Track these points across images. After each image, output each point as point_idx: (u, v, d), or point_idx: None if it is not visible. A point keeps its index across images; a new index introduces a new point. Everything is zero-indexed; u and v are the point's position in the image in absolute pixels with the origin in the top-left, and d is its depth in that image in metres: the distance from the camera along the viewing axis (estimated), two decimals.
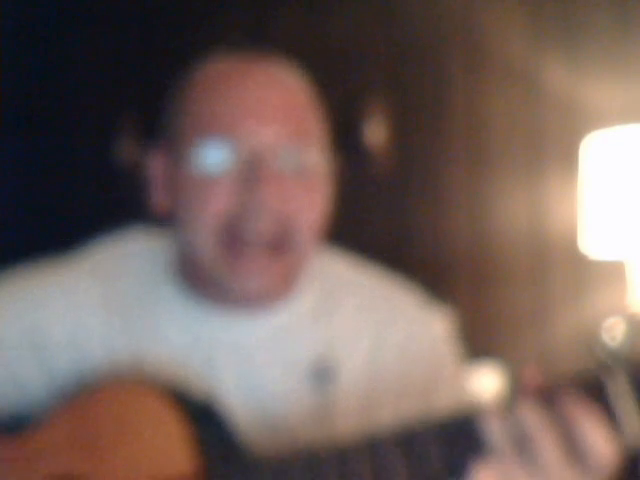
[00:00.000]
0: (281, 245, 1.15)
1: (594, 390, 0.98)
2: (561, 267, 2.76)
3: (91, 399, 1.10)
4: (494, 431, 0.96)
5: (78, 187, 3.00)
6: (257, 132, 1.15)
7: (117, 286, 1.22)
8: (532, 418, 0.96)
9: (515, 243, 2.80)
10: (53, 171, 3.05)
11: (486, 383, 2.70)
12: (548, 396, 0.97)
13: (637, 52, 2.72)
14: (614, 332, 2.57)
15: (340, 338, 1.22)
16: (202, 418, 1.08)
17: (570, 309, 2.75)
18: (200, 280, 1.20)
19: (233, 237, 1.14)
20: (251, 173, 1.14)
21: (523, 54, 2.79)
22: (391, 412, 1.19)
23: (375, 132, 2.86)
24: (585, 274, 2.72)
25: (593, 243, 2.50)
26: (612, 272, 2.64)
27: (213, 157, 1.15)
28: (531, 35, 2.80)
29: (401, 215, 2.87)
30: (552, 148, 2.78)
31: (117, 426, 1.08)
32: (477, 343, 2.72)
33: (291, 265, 1.18)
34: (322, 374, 1.20)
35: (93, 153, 2.99)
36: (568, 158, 2.67)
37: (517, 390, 0.99)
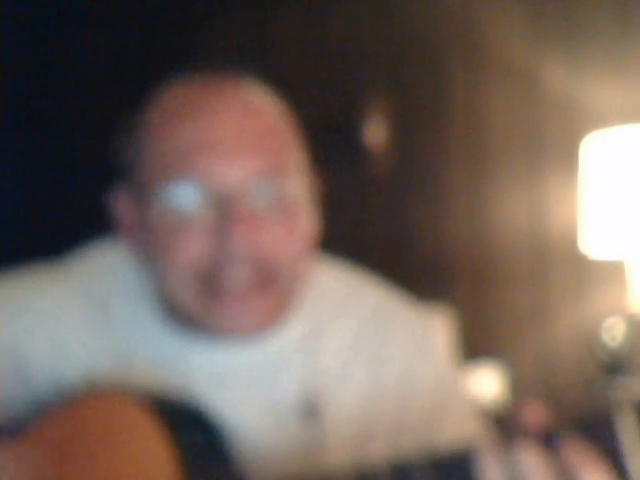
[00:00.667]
0: (265, 284, 1.09)
1: (600, 430, 0.91)
2: (561, 267, 2.76)
3: (71, 409, 1.07)
4: (490, 472, 0.91)
5: (78, 187, 3.00)
6: (223, 171, 1.07)
7: (100, 303, 1.17)
8: (530, 461, 0.90)
9: (515, 243, 2.80)
10: (53, 171, 3.05)
11: (486, 383, 2.70)
12: (549, 437, 0.92)
13: (637, 52, 2.72)
14: (614, 332, 2.57)
15: (330, 369, 1.17)
16: (185, 425, 1.05)
17: (570, 309, 2.75)
18: (181, 314, 1.13)
19: (213, 286, 1.08)
20: (221, 216, 1.07)
21: (523, 54, 2.79)
22: (386, 445, 1.15)
23: (375, 132, 2.86)
24: (585, 274, 2.72)
25: (593, 243, 2.50)
26: (612, 272, 2.64)
27: (181, 199, 1.07)
28: (531, 35, 2.80)
29: (401, 215, 2.87)
30: (552, 148, 2.78)
31: (98, 435, 1.05)
32: (477, 343, 2.72)
33: (279, 299, 1.12)
34: (309, 408, 1.14)
35: (93, 153, 2.99)
36: (568, 158, 2.67)
37: (516, 427, 0.93)
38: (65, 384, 1.14)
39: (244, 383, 1.14)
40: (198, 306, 1.10)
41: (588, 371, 2.65)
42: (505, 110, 2.81)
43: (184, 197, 1.07)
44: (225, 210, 1.07)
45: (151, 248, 1.11)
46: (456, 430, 1.17)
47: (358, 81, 2.89)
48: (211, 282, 1.08)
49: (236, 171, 1.08)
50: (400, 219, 2.87)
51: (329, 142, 2.77)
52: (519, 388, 2.74)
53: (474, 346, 2.68)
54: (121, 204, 1.15)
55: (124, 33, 3.03)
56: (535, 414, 0.93)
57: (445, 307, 2.64)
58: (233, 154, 1.08)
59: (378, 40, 2.88)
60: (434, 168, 2.85)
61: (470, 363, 2.65)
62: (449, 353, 1.25)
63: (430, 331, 1.25)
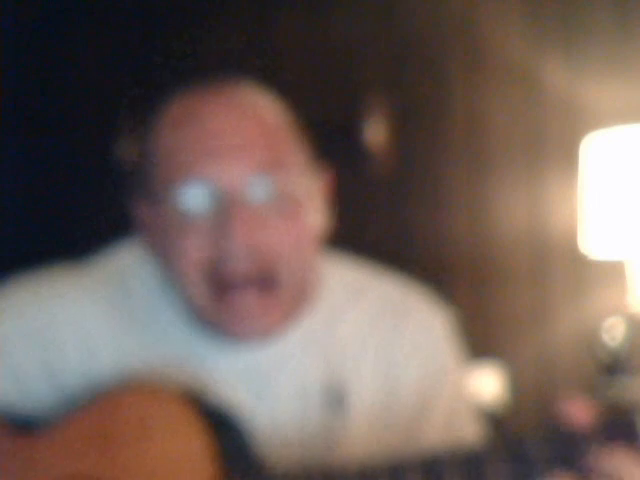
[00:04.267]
0: (270, 283, 1.13)
1: (623, 431, 0.94)
2: (561, 267, 2.76)
3: (110, 403, 1.09)
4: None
5: (78, 187, 3.00)
6: (223, 169, 1.12)
7: (125, 304, 1.20)
8: None
9: (515, 243, 2.80)
10: (53, 171, 3.05)
11: (486, 383, 2.70)
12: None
13: (637, 52, 2.72)
14: (614, 332, 2.57)
15: (348, 360, 1.20)
16: (222, 428, 1.07)
17: (570, 309, 2.75)
18: (197, 313, 1.17)
19: (219, 282, 1.12)
20: (223, 213, 1.12)
21: (523, 54, 2.79)
22: (404, 433, 1.17)
23: (375, 132, 2.86)
24: (585, 274, 2.72)
25: (593, 243, 2.50)
26: (612, 272, 2.64)
27: (190, 201, 1.13)
28: (531, 35, 2.80)
29: (401, 215, 2.87)
30: (552, 148, 2.78)
31: (136, 430, 1.07)
32: (477, 343, 2.72)
33: (287, 301, 1.15)
34: (334, 397, 1.17)
35: (93, 153, 2.99)
36: (568, 158, 2.67)
37: (562, 425, 0.94)
38: (95, 373, 1.16)
39: (266, 378, 1.17)
40: (209, 307, 1.13)
41: (588, 371, 2.65)
42: (505, 110, 2.81)
43: (189, 198, 1.12)
44: (225, 208, 1.11)
45: (164, 250, 1.16)
46: (446, 424, 1.20)
47: (358, 81, 2.89)
48: (216, 278, 1.12)
49: (235, 169, 1.12)
50: (400, 219, 2.87)
51: (329, 142, 2.77)
52: (519, 388, 2.74)
53: (474, 346, 2.68)
54: (140, 209, 1.20)
55: (124, 33, 3.03)
56: (579, 411, 0.94)
57: (445, 307, 2.63)
58: (231, 153, 1.13)
59: (378, 40, 2.88)
60: (434, 168, 2.85)
61: (470, 363, 2.65)
62: (456, 344, 1.28)
63: (440, 321, 1.28)
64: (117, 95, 2.95)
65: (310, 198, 1.18)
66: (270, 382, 1.17)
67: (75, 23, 3.07)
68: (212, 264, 1.12)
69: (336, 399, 1.17)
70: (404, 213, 2.87)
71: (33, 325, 1.18)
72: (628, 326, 2.56)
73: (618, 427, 0.93)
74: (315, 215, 1.19)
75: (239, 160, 1.13)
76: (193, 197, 1.12)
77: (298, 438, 1.15)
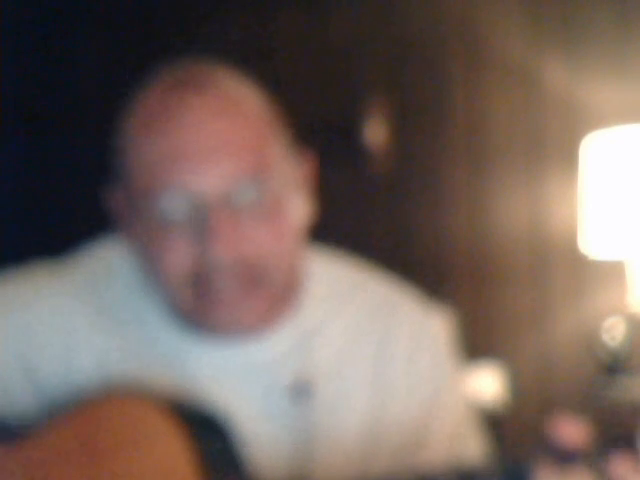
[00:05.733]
0: (254, 284, 1.09)
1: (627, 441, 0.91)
2: (561, 267, 2.76)
3: (90, 412, 1.06)
4: None
5: (78, 187, 3.00)
6: (202, 178, 1.06)
7: (107, 300, 1.17)
8: None
9: (515, 243, 2.80)
10: (53, 171, 3.05)
11: (486, 383, 2.70)
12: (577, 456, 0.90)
13: (637, 52, 2.72)
14: (614, 332, 2.57)
15: (326, 361, 1.15)
16: (207, 433, 1.05)
17: (570, 309, 2.75)
18: (182, 309, 1.13)
19: (203, 288, 1.08)
20: (203, 222, 1.06)
21: (523, 54, 2.79)
22: (392, 442, 1.14)
23: (375, 132, 2.86)
24: (585, 274, 2.72)
25: (593, 243, 2.50)
26: (612, 272, 2.64)
27: (167, 207, 1.07)
28: (531, 35, 2.80)
29: (401, 215, 2.87)
30: (552, 148, 2.78)
31: (118, 439, 1.04)
32: (477, 343, 2.72)
33: (270, 298, 1.11)
34: (299, 390, 1.14)
35: (93, 153, 2.99)
36: (568, 158, 2.67)
37: (542, 444, 0.91)
38: (76, 385, 1.13)
39: (242, 377, 1.14)
40: (193, 307, 1.10)
41: (588, 371, 2.65)
42: (505, 110, 2.81)
43: (167, 206, 1.07)
44: (204, 217, 1.06)
45: (143, 251, 1.12)
46: (446, 427, 1.16)
47: (358, 81, 2.89)
48: (201, 285, 1.08)
49: (215, 177, 1.06)
50: (400, 219, 2.87)
51: (329, 142, 2.77)
52: (519, 388, 2.74)
53: (474, 346, 2.68)
54: (117, 200, 1.15)
55: (124, 33, 3.03)
56: (570, 430, 0.91)
57: (445, 307, 2.64)
58: (211, 160, 1.06)
59: (378, 40, 2.88)
60: (434, 168, 2.85)
61: (470, 363, 2.65)
62: (451, 349, 1.23)
63: (434, 326, 1.22)
64: (117, 95, 2.95)
65: (292, 190, 1.13)
66: (243, 379, 1.14)
67: (75, 23, 3.07)
68: (194, 273, 1.07)
69: (302, 391, 1.13)
70: (404, 213, 2.87)
71: (12, 324, 1.15)
72: (628, 326, 2.56)
73: (617, 443, 0.90)
74: (298, 205, 1.14)
75: (220, 168, 1.06)
76: (171, 206, 1.07)
77: (263, 431, 1.12)
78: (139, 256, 1.14)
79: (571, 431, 0.90)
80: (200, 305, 1.09)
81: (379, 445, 1.14)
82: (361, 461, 1.13)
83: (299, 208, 1.14)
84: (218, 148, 1.07)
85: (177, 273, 1.08)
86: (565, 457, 0.90)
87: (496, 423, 2.57)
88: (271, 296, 1.11)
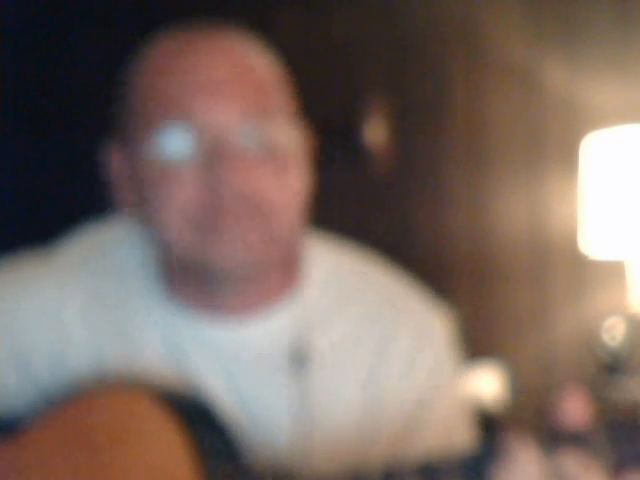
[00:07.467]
0: (261, 218, 1.06)
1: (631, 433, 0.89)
2: (561, 267, 2.76)
3: (83, 406, 1.05)
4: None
5: (78, 187, 3.00)
6: (213, 112, 1.06)
7: (98, 286, 1.16)
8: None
9: (515, 243, 2.80)
10: (53, 171, 3.05)
11: (486, 383, 2.70)
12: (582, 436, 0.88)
13: (637, 52, 2.72)
14: (614, 332, 2.58)
15: (324, 353, 1.14)
16: (200, 423, 1.04)
17: (570, 309, 2.75)
18: (179, 281, 1.12)
19: (209, 222, 1.06)
20: (214, 156, 1.05)
21: (523, 54, 2.79)
22: (386, 440, 1.13)
23: (375, 132, 2.86)
24: (585, 274, 2.72)
25: (593, 243, 2.50)
26: (612, 272, 2.64)
27: (173, 144, 1.05)
28: (531, 35, 2.80)
29: (401, 215, 2.87)
30: (552, 148, 2.78)
31: (112, 432, 1.03)
32: (477, 343, 2.72)
33: (270, 234, 1.08)
34: (296, 360, 1.12)
35: (93, 153, 2.99)
36: (568, 158, 2.67)
37: (550, 419, 0.88)
38: (69, 373, 1.12)
39: (237, 356, 1.12)
40: (193, 248, 1.07)
41: (588, 371, 2.65)
42: (505, 110, 2.81)
43: (177, 142, 1.06)
44: (216, 151, 1.05)
45: (146, 199, 1.09)
46: (441, 424, 1.16)
47: (358, 81, 2.89)
48: (206, 221, 1.06)
49: (225, 111, 1.06)
50: (400, 219, 2.87)
51: (329, 142, 2.77)
52: (519, 388, 2.75)
53: (474, 346, 2.68)
54: (114, 160, 1.14)
55: (124, 33, 3.03)
56: (577, 408, 0.88)
57: (445, 307, 2.64)
58: (222, 95, 1.06)
59: (378, 40, 2.89)
60: (434, 168, 2.86)
61: (470, 362, 2.65)
62: (452, 346, 1.23)
63: (436, 322, 1.22)
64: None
65: (296, 156, 1.12)
66: (246, 360, 1.12)
67: (75, 23, 3.08)
68: (201, 210, 1.06)
69: (299, 360, 1.12)
70: (404, 213, 2.87)
71: (1, 320, 1.14)
72: (628, 326, 2.56)
73: (622, 425, 0.89)
74: (301, 175, 1.12)
75: (230, 102, 1.06)
76: (176, 140, 1.06)
77: (266, 416, 1.11)
78: (137, 217, 1.12)
79: (578, 406, 0.89)
80: (200, 243, 1.06)
81: (376, 429, 1.13)
82: (358, 442, 1.12)
83: (301, 178, 1.12)
84: (231, 86, 1.07)
85: (185, 209, 1.05)
86: (558, 436, 0.88)
87: (496, 423, 2.58)
88: (270, 230, 1.08)
